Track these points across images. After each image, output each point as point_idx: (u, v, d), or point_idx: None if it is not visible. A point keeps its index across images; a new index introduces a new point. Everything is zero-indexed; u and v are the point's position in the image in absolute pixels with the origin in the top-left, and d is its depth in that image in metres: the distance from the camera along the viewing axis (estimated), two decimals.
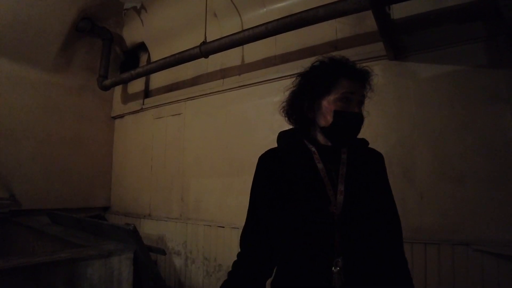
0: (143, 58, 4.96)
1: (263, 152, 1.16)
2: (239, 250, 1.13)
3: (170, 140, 4.21)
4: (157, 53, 4.44)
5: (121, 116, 5.14)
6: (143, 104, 4.69)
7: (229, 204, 3.45)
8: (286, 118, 1.20)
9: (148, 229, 4.23)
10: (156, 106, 4.47)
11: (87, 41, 4.69)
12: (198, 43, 3.29)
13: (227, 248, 3.35)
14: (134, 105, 4.85)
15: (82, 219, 2.95)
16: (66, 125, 4.64)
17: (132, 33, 4.83)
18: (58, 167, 4.50)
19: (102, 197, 5.06)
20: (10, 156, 4.00)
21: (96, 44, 4.77)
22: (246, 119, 3.48)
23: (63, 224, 3.30)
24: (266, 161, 1.15)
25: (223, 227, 3.41)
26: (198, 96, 3.94)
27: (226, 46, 3.11)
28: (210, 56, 3.47)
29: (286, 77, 3.22)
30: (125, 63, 5.21)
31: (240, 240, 1.15)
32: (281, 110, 1.21)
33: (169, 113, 4.28)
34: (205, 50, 3.21)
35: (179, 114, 4.14)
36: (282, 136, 1.21)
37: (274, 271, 1.11)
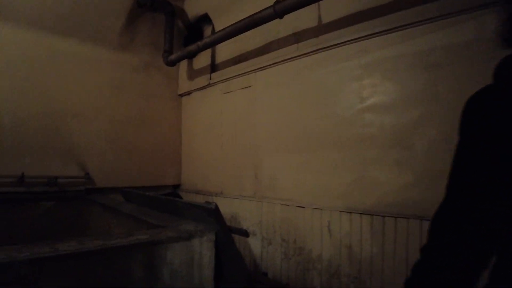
0: (207, 31, 4.73)
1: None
2: (432, 233, 0.78)
3: (240, 115, 3.97)
4: (222, 24, 4.16)
5: (188, 93, 5.03)
6: (210, 79, 4.49)
7: (308, 183, 3.12)
8: None
9: (221, 207, 4.06)
10: (224, 80, 4.24)
11: (149, 16, 4.60)
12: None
13: (308, 230, 3.06)
14: (200, 81, 4.69)
15: (156, 197, 2.85)
16: (134, 104, 4.66)
17: (194, 5, 4.62)
18: (129, 146, 4.58)
19: (172, 175, 5.08)
20: (83, 136, 4.12)
21: (158, 19, 4.66)
22: (325, 87, 3.08)
23: (136, 202, 3.26)
24: (485, 104, 0.73)
25: (303, 207, 3.11)
26: (268, 65, 3.61)
27: (303, 2, 2.71)
28: (281, 20, 3.11)
29: (374, 35, 2.75)
30: (188, 38, 5.05)
31: (437, 219, 0.77)
32: (503, 42, 0.76)
33: (237, 86, 4.03)
34: (280, 9, 2.83)
35: (249, 87, 3.86)
36: (506, 64, 0.77)
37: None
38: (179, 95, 5.20)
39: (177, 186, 5.13)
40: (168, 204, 2.57)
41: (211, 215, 2.02)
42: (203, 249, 2.01)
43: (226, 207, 4.02)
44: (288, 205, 3.25)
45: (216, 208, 1.98)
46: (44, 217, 3.77)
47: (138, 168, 4.66)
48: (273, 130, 3.53)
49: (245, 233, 2.30)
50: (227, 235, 2.07)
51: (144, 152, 4.74)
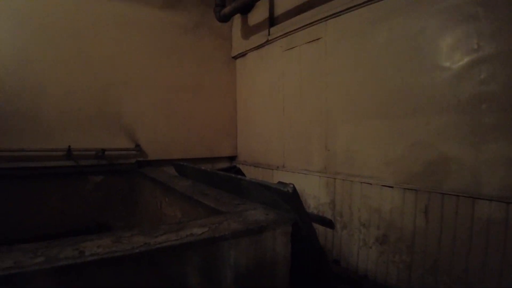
0: None
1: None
2: None
3: (307, 75, 3.33)
4: None
5: (243, 55, 4.48)
6: (269, 34, 3.87)
7: (399, 156, 2.48)
8: None
9: None
10: (286, 35, 3.60)
11: None
12: None
13: (397, 214, 2.45)
14: (257, 38, 4.09)
15: (215, 172, 2.40)
16: (184, 69, 4.25)
17: None
18: (181, 115, 4.24)
19: (228, 146, 4.67)
20: (132, 106, 3.84)
21: None
22: (423, 33, 2.33)
23: (190, 177, 2.87)
24: None
25: (392, 187, 2.49)
26: (343, 10, 2.90)
27: None
28: None
29: None
30: None
31: None
32: None
33: (303, 40, 3.37)
34: None
35: (318, 39, 3.19)
36: None
37: None
38: (233, 57, 4.68)
39: (233, 158, 4.73)
40: (230, 182, 2.10)
41: (286, 200, 1.51)
42: (277, 245, 1.52)
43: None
44: (370, 184, 2.65)
45: (294, 192, 1.46)
46: (93, 193, 3.57)
47: (191, 139, 4.33)
48: (350, 91, 2.87)
49: (329, 224, 1.77)
50: (307, 227, 1.56)
51: (197, 121, 4.38)
